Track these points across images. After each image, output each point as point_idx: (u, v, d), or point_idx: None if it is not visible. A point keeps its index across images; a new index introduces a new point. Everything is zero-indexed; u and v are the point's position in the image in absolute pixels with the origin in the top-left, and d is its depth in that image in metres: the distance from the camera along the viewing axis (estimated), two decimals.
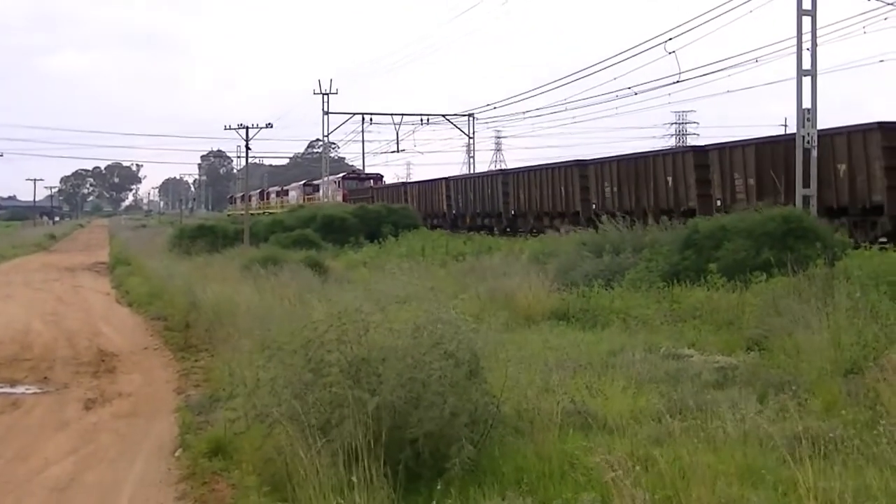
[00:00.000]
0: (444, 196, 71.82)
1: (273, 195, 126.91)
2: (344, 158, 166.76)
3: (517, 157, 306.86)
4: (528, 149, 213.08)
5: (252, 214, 58.71)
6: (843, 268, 21.90)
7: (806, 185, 33.37)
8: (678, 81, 52.05)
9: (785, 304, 17.71)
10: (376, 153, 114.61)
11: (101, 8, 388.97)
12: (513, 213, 61.19)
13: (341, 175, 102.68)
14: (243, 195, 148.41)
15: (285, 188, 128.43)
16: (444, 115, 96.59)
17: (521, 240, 45.54)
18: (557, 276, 26.17)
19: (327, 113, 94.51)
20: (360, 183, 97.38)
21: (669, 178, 44.60)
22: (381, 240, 48.85)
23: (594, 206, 49.97)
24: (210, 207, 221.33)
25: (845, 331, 14.84)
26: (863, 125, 34.35)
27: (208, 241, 47.48)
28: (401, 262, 35.27)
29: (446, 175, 75.79)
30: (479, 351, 10.63)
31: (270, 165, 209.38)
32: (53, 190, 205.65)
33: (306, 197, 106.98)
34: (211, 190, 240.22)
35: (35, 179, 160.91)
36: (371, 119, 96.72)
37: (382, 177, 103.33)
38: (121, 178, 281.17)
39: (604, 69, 63.09)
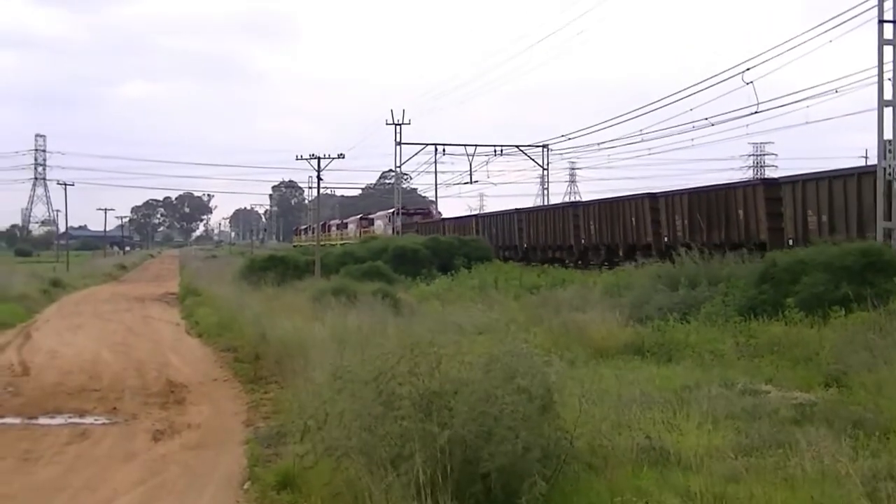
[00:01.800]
0: (475, 230, 75.69)
1: (334, 228, 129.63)
2: (416, 189, 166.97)
3: (592, 189, 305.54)
4: (603, 180, 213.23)
5: (315, 246, 59.06)
6: None
7: (887, 217, 32.90)
8: (756, 112, 52.02)
9: (865, 340, 17.51)
10: (449, 184, 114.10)
11: (171, 37, 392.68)
12: (525, 245, 68.28)
13: (391, 210, 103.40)
14: (307, 227, 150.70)
15: (345, 221, 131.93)
16: (517, 146, 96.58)
17: (595, 273, 45.45)
18: (632, 309, 26.01)
19: (399, 143, 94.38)
20: (408, 217, 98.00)
21: (633, 219, 52.73)
22: (453, 272, 48.85)
23: (583, 241, 58.62)
24: (281, 238, 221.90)
25: None
26: None
27: (278, 271, 47.61)
28: (473, 294, 35.43)
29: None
30: (552, 385, 10.59)
31: (342, 196, 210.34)
32: (124, 220, 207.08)
33: (362, 230, 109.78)
34: (282, 221, 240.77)
35: (106, 209, 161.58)
36: (444, 150, 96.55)
37: (429, 211, 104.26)
38: (191, 208, 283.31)
39: (679, 99, 62.89)
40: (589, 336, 22.36)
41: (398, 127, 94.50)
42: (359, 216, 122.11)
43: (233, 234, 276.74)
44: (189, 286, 57.36)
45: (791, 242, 38.35)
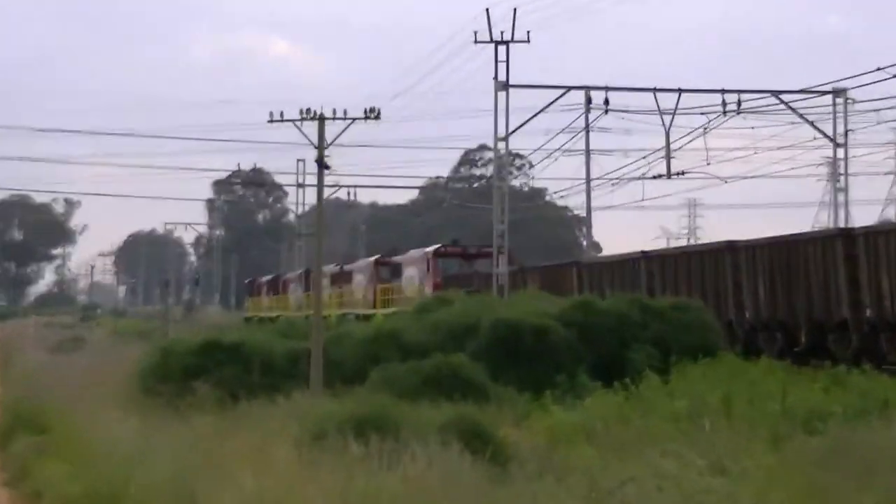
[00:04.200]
0: (575, 287, 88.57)
1: (326, 281, 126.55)
2: (545, 190, 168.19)
3: None
4: None
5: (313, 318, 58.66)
6: None
7: None
8: None
9: None
10: (618, 180, 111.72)
11: None
12: None
13: (431, 249, 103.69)
14: (274, 278, 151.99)
15: (347, 268, 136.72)
16: (772, 93, 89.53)
17: None
18: None
19: (507, 85, 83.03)
20: (463, 262, 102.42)
21: (822, 274, 70.18)
22: (628, 379, 47.82)
23: (747, 312, 79.48)
24: (232, 298, 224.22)
25: None
26: None
27: (226, 377, 47.83)
28: (674, 433, 35.60)
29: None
30: None
31: (373, 204, 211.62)
32: None
33: (379, 284, 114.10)
34: (236, 259, 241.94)
35: None
36: (606, 100, 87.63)
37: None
38: (28, 231, 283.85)
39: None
40: None
41: (501, 48, 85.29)
42: (373, 259, 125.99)
43: (122, 288, 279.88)
44: (20, 409, 56.92)
45: None
